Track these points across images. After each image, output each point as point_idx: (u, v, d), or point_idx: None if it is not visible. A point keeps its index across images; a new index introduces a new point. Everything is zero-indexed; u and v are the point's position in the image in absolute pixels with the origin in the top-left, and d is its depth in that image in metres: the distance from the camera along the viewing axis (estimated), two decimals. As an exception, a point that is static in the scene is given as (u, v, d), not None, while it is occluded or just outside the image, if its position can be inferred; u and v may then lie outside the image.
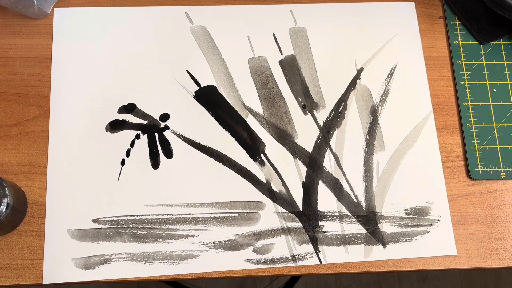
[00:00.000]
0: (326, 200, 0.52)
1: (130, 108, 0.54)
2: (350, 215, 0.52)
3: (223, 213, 0.51)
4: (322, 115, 0.55)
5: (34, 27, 0.56)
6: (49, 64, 0.55)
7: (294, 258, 0.50)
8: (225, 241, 0.50)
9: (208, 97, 0.55)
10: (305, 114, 0.55)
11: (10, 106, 0.53)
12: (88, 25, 0.57)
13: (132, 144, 0.53)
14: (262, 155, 0.53)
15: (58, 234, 0.49)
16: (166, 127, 0.54)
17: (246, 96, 0.55)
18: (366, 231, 0.51)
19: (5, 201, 0.44)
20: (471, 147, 0.54)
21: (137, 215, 0.50)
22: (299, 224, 0.51)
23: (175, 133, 0.53)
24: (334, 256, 0.50)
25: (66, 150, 0.52)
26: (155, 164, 0.52)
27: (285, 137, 0.54)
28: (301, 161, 0.53)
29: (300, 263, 0.50)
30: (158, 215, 0.50)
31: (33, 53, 0.55)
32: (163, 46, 0.56)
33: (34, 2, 0.53)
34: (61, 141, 0.52)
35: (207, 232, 0.50)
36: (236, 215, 0.51)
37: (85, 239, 0.49)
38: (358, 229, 0.51)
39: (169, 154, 0.53)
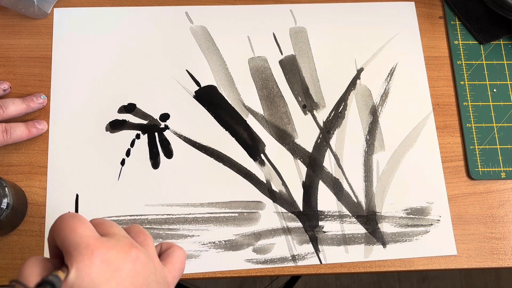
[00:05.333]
0: (326, 200, 0.52)
1: (130, 108, 0.54)
2: (350, 215, 0.52)
3: (223, 213, 0.51)
4: (322, 115, 0.55)
5: (34, 27, 0.56)
6: (49, 64, 0.55)
7: (294, 258, 0.50)
8: (225, 241, 0.50)
9: (208, 97, 0.55)
10: (305, 114, 0.55)
11: (10, 106, 0.53)
12: (88, 25, 0.57)
13: (132, 144, 0.53)
14: (262, 155, 0.53)
15: (58, 234, 0.49)
16: (166, 127, 0.54)
17: (246, 96, 0.55)
18: (366, 231, 0.51)
19: (5, 201, 0.44)
20: (471, 147, 0.54)
21: (137, 215, 0.50)
22: (299, 224, 0.51)
23: (175, 133, 0.53)
24: (334, 256, 0.50)
25: (66, 150, 0.52)
26: (155, 164, 0.52)
27: (285, 137, 0.54)
28: (301, 161, 0.53)
29: (300, 263, 0.50)
30: (158, 215, 0.50)
31: (33, 53, 0.55)
32: (163, 46, 0.56)
33: (34, 2, 0.53)
34: (61, 141, 0.52)
35: (207, 232, 0.50)
36: (236, 215, 0.51)
37: (85, 239, 0.49)
38: (358, 229, 0.51)
39: (169, 154, 0.53)
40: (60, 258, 0.31)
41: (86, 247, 0.29)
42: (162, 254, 0.36)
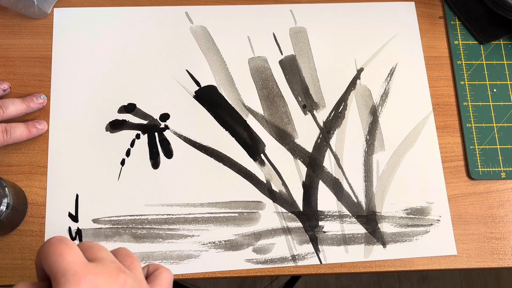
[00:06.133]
0: (326, 200, 0.52)
1: (130, 108, 0.54)
2: (350, 215, 0.52)
3: (223, 213, 0.51)
4: (322, 115, 0.55)
5: (34, 27, 0.56)
6: (49, 64, 0.55)
7: (294, 258, 0.50)
8: (225, 241, 0.50)
9: (208, 97, 0.55)
10: (305, 114, 0.55)
11: (10, 106, 0.53)
12: (88, 25, 0.57)
13: (132, 144, 0.53)
14: (262, 155, 0.53)
15: (58, 234, 0.49)
16: (166, 127, 0.54)
17: (246, 96, 0.55)
18: (366, 231, 0.51)
19: (5, 201, 0.44)
20: (471, 147, 0.54)
21: (137, 215, 0.50)
22: (299, 224, 0.51)
23: (175, 133, 0.53)
24: (334, 256, 0.50)
25: (66, 150, 0.52)
26: (155, 164, 0.52)
27: (285, 137, 0.54)
28: (301, 161, 0.53)
29: (300, 263, 0.50)
30: (158, 215, 0.50)
31: (33, 53, 0.55)
32: (163, 46, 0.56)
33: (34, 2, 0.53)
34: (61, 141, 0.52)
35: (207, 232, 0.50)
36: (236, 215, 0.51)
37: (85, 239, 0.49)
38: (358, 229, 0.51)
39: (169, 154, 0.53)
40: (48, 281, 0.31)
41: (73, 274, 0.28)
42: (149, 276, 0.36)
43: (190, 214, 0.51)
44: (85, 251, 0.31)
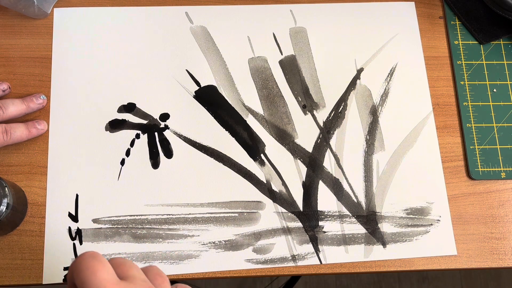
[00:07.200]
0: (326, 200, 0.52)
1: (130, 108, 0.54)
2: (350, 215, 0.52)
3: (223, 213, 0.51)
4: (322, 115, 0.55)
5: (34, 27, 0.56)
6: (49, 64, 0.55)
7: (294, 258, 0.50)
8: (225, 241, 0.50)
9: (208, 97, 0.55)
10: (305, 114, 0.55)
11: (10, 106, 0.53)
12: (88, 25, 0.57)
13: (132, 144, 0.53)
14: (262, 155, 0.53)
15: (58, 234, 0.49)
16: (166, 127, 0.54)
17: (246, 96, 0.55)
18: (366, 231, 0.51)
19: (5, 201, 0.44)
20: (471, 147, 0.54)
21: (137, 215, 0.50)
22: (299, 224, 0.51)
23: (175, 133, 0.53)
24: (334, 256, 0.50)
25: (66, 150, 0.52)
26: (155, 164, 0.52)
27: (285, 137, 0.54)
28: (301, 161, 0.53)
29: (300, 263, 0.50)
30: (158, 215, 0.50)
31: (33, 53, 0.55)
32: (163, 46, 0.56)
33: (34, 2, 0.53)
34: (61, 141, 0.52)
35: (207, 232, 0.50)
36: (236, 215, 0.51)
37: (85, 239, 0.49)
38: (358, 229, 0.51)
39: (169, 154, 0.53)
40: None
41: None
42: None
43: (190, 214, 0.51)
44: (116, 268, 0.31)
